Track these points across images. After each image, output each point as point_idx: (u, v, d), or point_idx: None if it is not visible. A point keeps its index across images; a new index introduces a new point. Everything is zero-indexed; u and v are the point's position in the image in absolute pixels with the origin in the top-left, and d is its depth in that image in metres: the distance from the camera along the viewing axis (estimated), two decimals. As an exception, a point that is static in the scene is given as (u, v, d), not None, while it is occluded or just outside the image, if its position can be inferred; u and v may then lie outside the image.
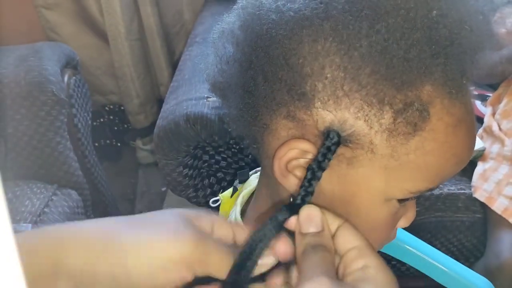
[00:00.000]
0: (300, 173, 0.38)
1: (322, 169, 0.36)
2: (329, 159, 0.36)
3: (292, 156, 0.37)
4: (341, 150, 0.36)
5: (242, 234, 0.37)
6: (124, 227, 0.34)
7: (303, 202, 0.36)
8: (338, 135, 0.35)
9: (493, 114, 1.26)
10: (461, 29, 0.35)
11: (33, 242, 0.33)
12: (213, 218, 0.37)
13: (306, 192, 0.36)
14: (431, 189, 0.39)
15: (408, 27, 0.34)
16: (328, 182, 0.38)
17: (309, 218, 0.35)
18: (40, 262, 0.32)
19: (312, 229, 0.34)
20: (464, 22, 0.35)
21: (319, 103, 0.35)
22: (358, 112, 0.35)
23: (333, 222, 0.35)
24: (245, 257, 0.34)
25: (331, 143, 0.35)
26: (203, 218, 0.36)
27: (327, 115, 0.35)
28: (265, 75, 0.37)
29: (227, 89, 0.41)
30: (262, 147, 0.41)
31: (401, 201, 0.40)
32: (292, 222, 0.35)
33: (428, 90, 0.35)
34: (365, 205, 0.39)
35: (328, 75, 0.35)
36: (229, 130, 0.44)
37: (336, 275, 0.33)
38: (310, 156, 0.37)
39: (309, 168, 0.36)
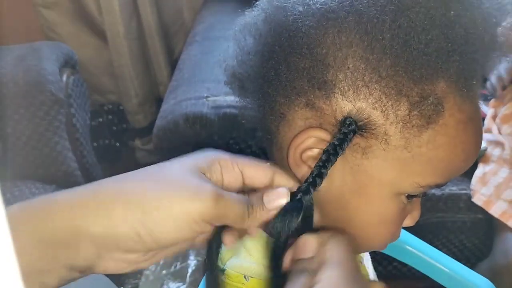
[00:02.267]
0: (313, 164, 0.39)
1: (337, 154, 0.37)
2: (345, 146, 0.37)
3: (309, 144, 0.39)
4: (356, 140, 0.38)
5: (253, 174, 0.39)
6: (141, 185, 0.36)
7: (314, 182, 0.38)
8: (355, 123, 0.37)
9: (494, 116, 1.25)
10: (475, 30, 0.36)
11: (51, 209, 0.34)
12: (222, 164, 0.38)
13: (319, 172, 0.38)
14: (439, 185, 0.40)
15: (428, 24, 0.35)
16: (341, 173, 0.39)
17: (304, 247, 0.37)
18: (58, 228, 0.33)
19: (305, 256, 0.36)
20: (478, 24, 0.37)
21: (339, 92, 0.37)
22: (376, 102, 0.36)
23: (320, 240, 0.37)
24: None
25: (348, 130, 0.37)
26: (213, 167, 0.38)
27: (345, 104, 0.37)
28: (288, 64, 0.38)
29: (246, 80, 0.43)
30: (276, 138, 0.42)
31: (409, 197, 0.41)
32: (288, 257, 0.37)
33: (442, 85, 0.37)
34: (375, 198, 0.40)
35: (350, 66, 0.36)
36: (243, 122, 0.45)
37: None
38: (326, 145, 0.38)
39: (325, 151, 0.38)
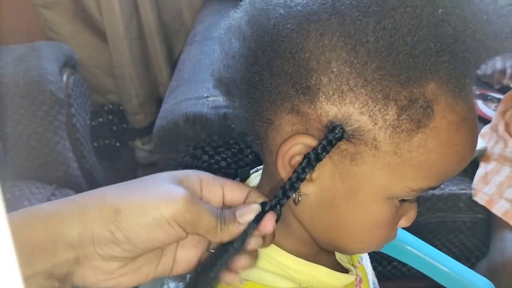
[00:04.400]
0: None
1: (318, 160, 0.36)
2: (328, 152, 0.36)
3: (296, 151, 0.38)
4: (344, 146, 0.37)
5: (232, 191, 0.39)
6: (115, 191, 0.36)
7: (292, 187, 0.37)
8: (343, 130, 0.36)
9: (503, 112, 1.23)
10: (465, 27, 0.35)
11: (30, 217, 0.34)
12: (201, 177, 0.38)
13: (297, 179, 0.37)
14: (433, 188, 0.40)
15: (414, 24, 0.34)
16: (331, 178, 0.39)
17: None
18: (38, 235, 0.33)
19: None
20: (468, 21, 0.35)
21: (323, 97, 0.36)
22: (363, 107, 0.35)
23: None
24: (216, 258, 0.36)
25: (334, 137, 0.36)
26: (191, 178, 0.37)
27: (330, 109, 0.36)
28: (271, 69, 0.37)
29: (232, 85, 0.42)
30: (265, 143, 0.41)
31: (402, 201, 0.40)
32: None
33: (432, 87, 0.35)
34: (367, 203, 0.39)
35: (334, 69, 0.35)
36: (233, 126, 0.44)
37: None
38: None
39: (305, 156, 0.37)
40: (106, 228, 0.33)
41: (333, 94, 0.35)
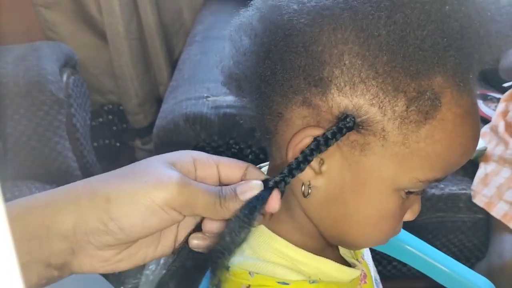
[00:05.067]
0: (312, 162, 0.39)
1: (327, 145, 0.37)
2: (337, 139, 0.37)
3: (307, 143, 0.38)
4: (354, 136, 0.38)
5: (228, 169, 0.39)
6: (107, 180, 0.36)
7: (298, 167, 0.38)
8: (354, 120, 0.37)
9: (504, 112, 1.23)
10: (470, 24, 0.36)
11: (26, 207, 0.35)
12: (195, 157, 0.38)
13: (304, 159, 0.38)
14: (438, 180, 0.41)
15: (423, 19, 0.35)
16: (340, 170, 0.39)
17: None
18: (33, 225, 0.34)
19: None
20: (473, 18, 0.36)
21: (335, 89, 0.37)
22: (373, 99, 0.36)
23: None
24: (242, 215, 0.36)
25: (345, 125, 0.37)
26: (184, 159, 0.38)
27: (342, 100, 0.37)
28: (283, 63, 0.38)
29: (243, 80, 0.43)
30: (274, 137, 0.42)
31: (409, 193, 0.41)
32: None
33: (439, 80, 0.37)
34: (375, 194, 0.40)
35: (347, 62, 0.36)
36: (241, 122, 0.45)
37: None
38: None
39: (315, 139, 0.38)
40: (99, 219, 0.34)
41: (345, 86, 0.37)
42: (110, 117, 1.95)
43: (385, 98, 0.36)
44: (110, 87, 1.96)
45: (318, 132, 0.38)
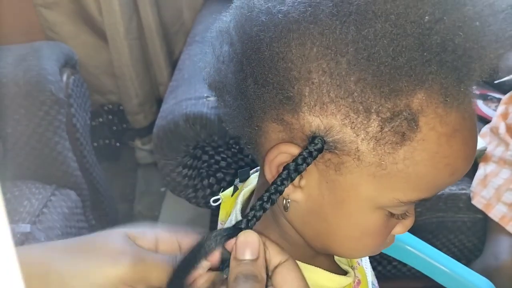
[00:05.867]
0: None
1: (298, 172, 0.36)
2: (308, 164, 0.35)
3: (282, 160, 0.37)
4: (328, 155, 0.36)
5: (188, 244, 0.37)
6: (61, 256, 0.34)
7: (269, 200, 0.36)
8: (323, 142, 0.35)
9: (504, 114, 1.22)
10: (455, 35, 0.33)
11: None
12: (157, 234, 0.37)
13: (275, 190, 0.36)
14: (424, 199, 0.38)
15: (397, 33, 0.32)
16: (318, 186, 0.38)
17: (245, 244, 0.35)
18: None
19: (247, 256, 0.34)
20: (458, 28, 0.33)
21: (305, 107, 0.35)
22: (345, 119, 0.34)
23: (276, 257, 0.35)
24: (184, 264, 0.35)
25: (314, 148, 0.35)
26: (146, 236, 0.36)
27: (313, 120, 0.35)
28: (255, 77, 0.37)
29: (223, 89, 0.41)
30: (256, 148, 0.41)
31: (391, 215, 0.39)
32: (231, 244, 0.35)
33: (420, 98, 0.34)
34: (354, 212, 0.38)
35: (315, 80, 0.34)
36: (227, 129, 0.44)
37: None
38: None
39: (285, 168, 0.36)
40: None
41: (315, 105, 0.35)
42: (110, 117, 1.95)
43: (356, 118, 0.34)
44: (110, 87, 1.96)
45: (291, 149, 0.36)
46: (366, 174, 0.36)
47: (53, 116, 1.25)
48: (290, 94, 0.35)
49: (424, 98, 0.34)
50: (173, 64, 1.90)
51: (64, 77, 1.33)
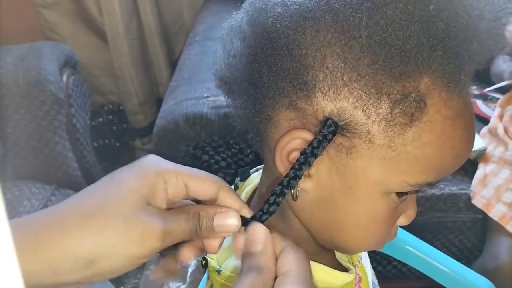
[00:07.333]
0: None
1: (315, 156, 0.37)
2: (324, 147, 0.37)
3: (294, 146, 0.38)
4: (340, 140, 0.37)
5: (197, 187, 0.38)
6: (85, 233, 0.34)
7: (289, 184, 0.38)
8: (336, 124, 0.37)
9: (501, 116, 1.24)
10: (457, 23, 0.35)
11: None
12: (166, 177, 0.38)
13: (295, 175, 0.37)
14: (430, 184, 0.40)
15: (406, 20, 0.35)
16: (328, 173, 0.39)
17: (253, 237, 0.36)
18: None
19: (257, 248, 0.36)
20: (460, 17, 0.36)
21: (319, 92, 0.37)
22: (357, 101, 0.36)
23: (277, 245, 0.36)
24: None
25: (328, 131, 0.36)
26: (157, 188, 0.37)
27: (326, 104, 0.37)
28: (269, 66, 0.38)
29: (233, 83, 0.43)
30: (265, 139, 0.42)
31: (400, 195, 0.40)
32: (240, 241, 0.37)
33: (426, 82, 0.36)
34: (364, 197, 0.40)
35: (329, 65, 0.36)
36: (233, 124, 0.45)
37: None
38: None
39: (302, 153, 0.37)
40: (81, 275, 0.34)
41: (329, 90, 0.36)
42: (110, 117, 1.95)
43: (368, 100, 0.36)
44: (110, 87, 1.96)
45: (304, 134, 0.38)
46: (376, 157, 0.37)
47: (53, 116, 1.25)
48: (305, 80, 0.37)
49: (429, 82, 0.36)
50: (173, 64, 1.90)
51: (64, 77, 1.33)
